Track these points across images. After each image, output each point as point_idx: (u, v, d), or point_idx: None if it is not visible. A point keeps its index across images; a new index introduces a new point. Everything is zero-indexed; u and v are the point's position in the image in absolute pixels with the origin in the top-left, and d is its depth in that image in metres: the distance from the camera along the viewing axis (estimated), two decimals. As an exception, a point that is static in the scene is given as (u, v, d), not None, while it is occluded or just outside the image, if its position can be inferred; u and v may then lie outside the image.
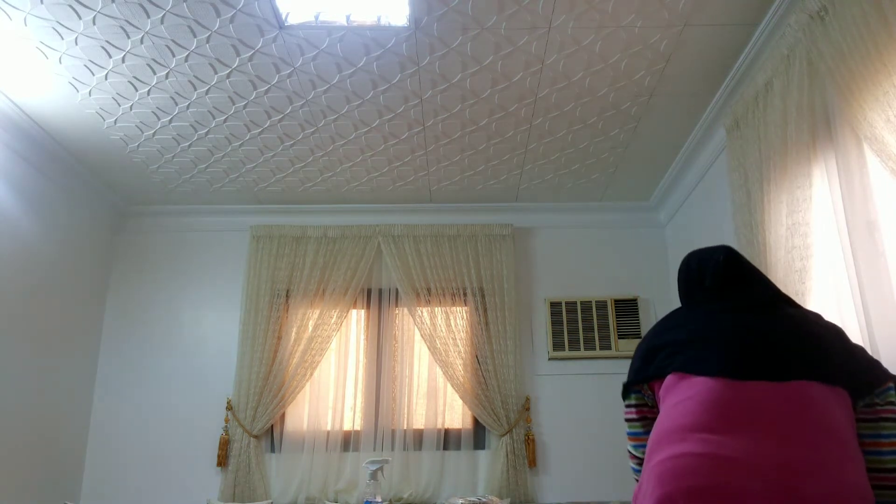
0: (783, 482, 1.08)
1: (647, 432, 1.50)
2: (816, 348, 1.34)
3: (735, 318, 1.43)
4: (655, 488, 1.18)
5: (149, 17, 2.77)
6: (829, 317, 2.48)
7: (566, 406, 4.28)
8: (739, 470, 1.09)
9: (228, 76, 3.19)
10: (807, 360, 1.30)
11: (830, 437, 1.19)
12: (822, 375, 1.28)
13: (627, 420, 1.60)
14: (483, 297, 4.36)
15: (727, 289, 1.58)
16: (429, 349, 4.26)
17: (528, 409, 4.21)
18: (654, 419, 1.50)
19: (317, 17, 2.83)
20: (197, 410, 4.24)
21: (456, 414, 4.31)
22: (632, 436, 1.58)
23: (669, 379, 1.39)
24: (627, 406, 1.59)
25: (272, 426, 4.22)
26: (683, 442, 1.21)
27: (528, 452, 4.10)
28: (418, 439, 4.19)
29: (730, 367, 1.29)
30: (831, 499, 1.09)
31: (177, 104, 3.41)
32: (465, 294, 4.37)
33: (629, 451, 1.62)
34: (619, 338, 4.32)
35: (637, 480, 1.48)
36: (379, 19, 2.84)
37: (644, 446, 1.50)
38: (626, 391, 1.60)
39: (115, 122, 3.56)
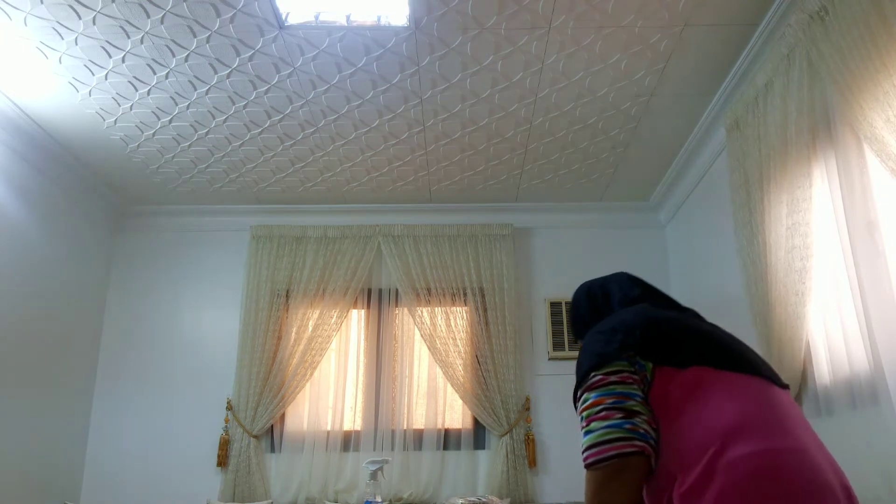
0: (839, 477, 1.12)
1: (644, 398, 1.23)
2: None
3: (702, 322, 1.41)
4: (777, 483, 1.04)
5: (149, 17, 2.77)
6: (829, 316, 2.51)
7: (566, 406, 4.27)
8: (824, 465, 1.12)
9: (228, 76, 3.19)
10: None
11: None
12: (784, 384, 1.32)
13: (620, 382, 1.24)
14: (483, 296, 4.36)
15: (656, 297, 1.53)
16: (429, 349, 4.26)
17: (528, 409, 4.21)
18: (643, 392, 1.24)
19: (317, 17, 2.83)
20: (197, 410, 4.23)
21: (456, 414, 4.31)
22: (626, 395, 1.22)
23: (698, 371, 1.21)
24: (615, 371, 1.25)
25: (272, 426, 4.21)
26: (773, 437, 1.10)
27: (528, 452, 4.10)
28: (418, 439, 4.19)
29: (754, 368, 1.26)
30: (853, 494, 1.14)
31: (177, 104, 3.41)
32: (465, 294, 4.37)
33: (617, 420, 1.21)
34: (619, 338, 4.32)
35: (636, 445, 1.17)
36: (379, 19, 2.84)
37: (643, 407, 1.21)
38: (613, 356, 1.26)
39: (115, 122, 3.56)
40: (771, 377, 1.26)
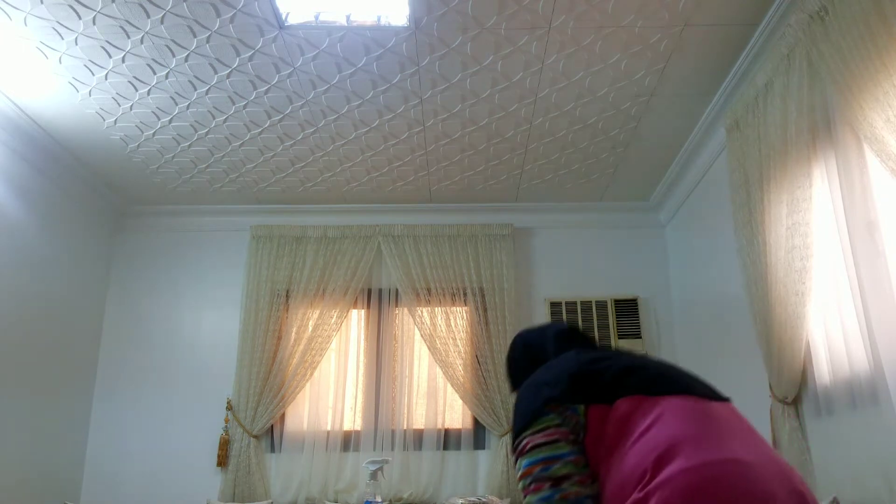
0: (787, 483, 1.10)
1: (574, 452, 1.23)
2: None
3: (633, 357, 1.40)
4: (711, 497, 1.04)
5: (149, 17, 2.77)
6: (829, 316, 2.51)
7: (566, 406, 4.27)
8: (766, 475, 1.10)
9: (228, 76, 3.19)
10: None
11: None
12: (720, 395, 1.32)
13: (546, 443, 1.23)
14: (483, 296, 4.36)
15: (589, 346, 1.54)
16: (429, 349, 4.26)
17: (528, 409, 4.21)
18: (574, 442, 1.24)
19: (317, 17, 2.83)
20: (197, 410, 4.23)
21: (456, 414, 4.31)
22: (551, 459, 1.22)
23: (627, 402, 1.21)
24: (542, 429, 1.24)
25: (272, 426, 4.21)
26: (707, 451, 1.09)
27: (528, 452, 4.10)
28: (418, 439, 4.19)
29: (685, 388, 1.25)
30: (811, 495, 1.13)
31: (177, 104, 3.41)
32: (465, 294, 4.37)
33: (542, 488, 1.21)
34: (619, 338, 4.32)
35: None
36: (379, 19, 2.84)
37: (573, 465, 1.22)
38: (540, 413, 1.26)
39: (115, 122, 3.56)
40: (706, 394, 1.25)
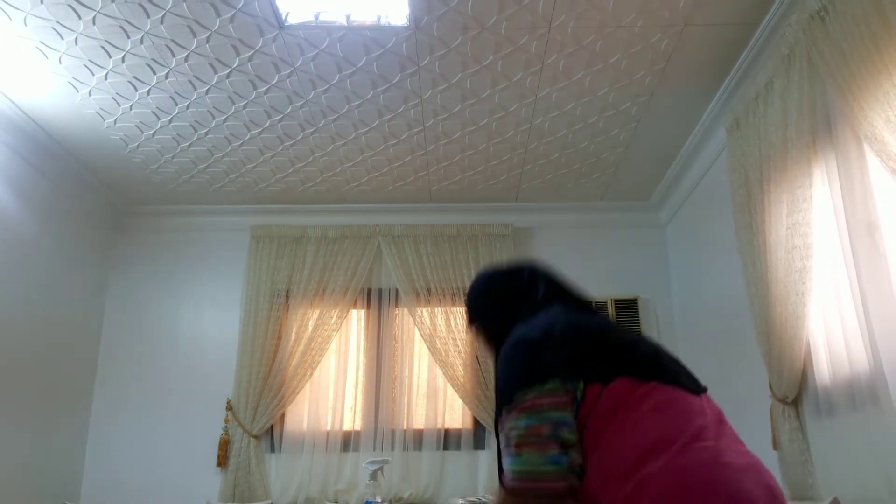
0: (761, 480, 1.11)
1: (574, 422, 1.16)
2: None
3: (622, 329, 1.35)
4: (691, 496, 1.03)
5: (149, 17, 2.77)
6: (829, 316, 2.51)
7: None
8: (740, 474, 1.10)
9: (228, 76, 3.18)
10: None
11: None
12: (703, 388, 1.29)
13: (555, 407, 1.15)
14: (483, 297, 4.35)
15: (568, 296, 1.46)
16: (429, 349, 4.26)
17: (528, 409, 4.21)
18: (573, 414, 1.17)
19: (317, 17, 2.83)
20: (197, 410, 4.23)
21: (456, 414, 4.30)
22: (561, 423, 1.14)
23: (621, 385, 1.16)
24: (550, 391, 1.16)
25: (272, 426, 4.21)
26: (688, 450, 1.09)
27: (528, 452, 4.09)
28: (418, 439, 4.19)
29: (673, 376, 1.22)
30: (780, 490, 1.13)
31: (177, 104, 3.41)
32: (464, 294, 4.36)
33: (551, 447, 1.13)
34: (619, 338, 4.32)
35: (562, 475, 1.12)
36: (379, 19, 2.83)
37: (576, 436, 1.16)
38: (546, 376, 1.18)
39: (115, 122, 3.56)
40: (690, 386, 1.23)
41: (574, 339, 1.23)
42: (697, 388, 1.24)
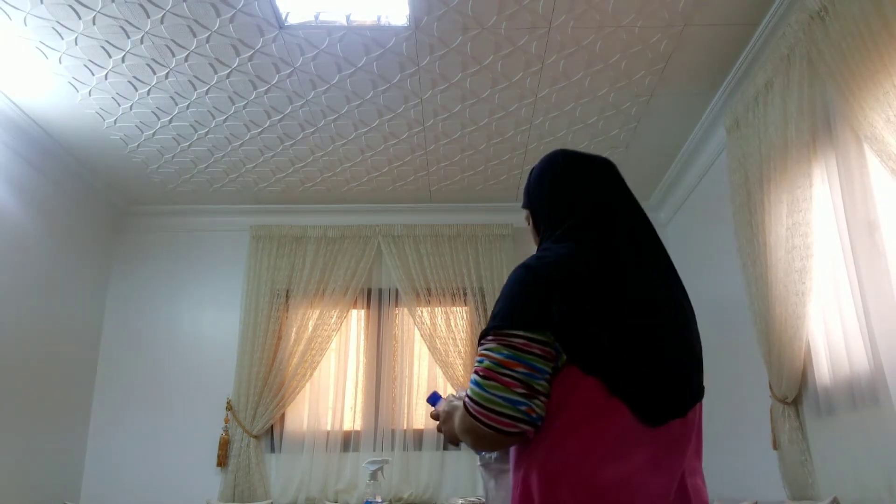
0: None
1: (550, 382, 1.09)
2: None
3: (670, 310, 1.17)
4: None
5: (149, 17, 2.77)
6: (829, 316, 2.50)
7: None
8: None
9: (228, 76, 3.19)
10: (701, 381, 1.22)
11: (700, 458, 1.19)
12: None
13: (540, 356, 1.08)
14: (483, 297, 4.36)
15: (634, 228, 1.25)
16: (429, 349, 4.26)
17: (528, 409, 4.21)
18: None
19: (317, 17, 2.83)
20: (197, 410, 4.23)
21: (456, 414, 4.30)
22: (538, 371, 1.07)
23: (593, 386, 1.08)
24: (542, 342, 1.08)
25: (272, 426, 4.21)
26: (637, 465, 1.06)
27: (528, 452, 4.10)
28: (418, 439, 4.19)
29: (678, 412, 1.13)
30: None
31: (177, 104, 3.41)
32: (464, 294, 4.37)
33: (515, 392, 1.06)
34: (619, 338, 4.31)
35: (511, 432, 1.07)
36: (379, 19, 2.84)
37: (546, 392, 1.08)
38: (544, 325, 1.08)
39: (115, 122, 3.56)
40: (684, 412, 1.14)
41: (574, 302, 1.10)
42: (690, 410, 1.16)
